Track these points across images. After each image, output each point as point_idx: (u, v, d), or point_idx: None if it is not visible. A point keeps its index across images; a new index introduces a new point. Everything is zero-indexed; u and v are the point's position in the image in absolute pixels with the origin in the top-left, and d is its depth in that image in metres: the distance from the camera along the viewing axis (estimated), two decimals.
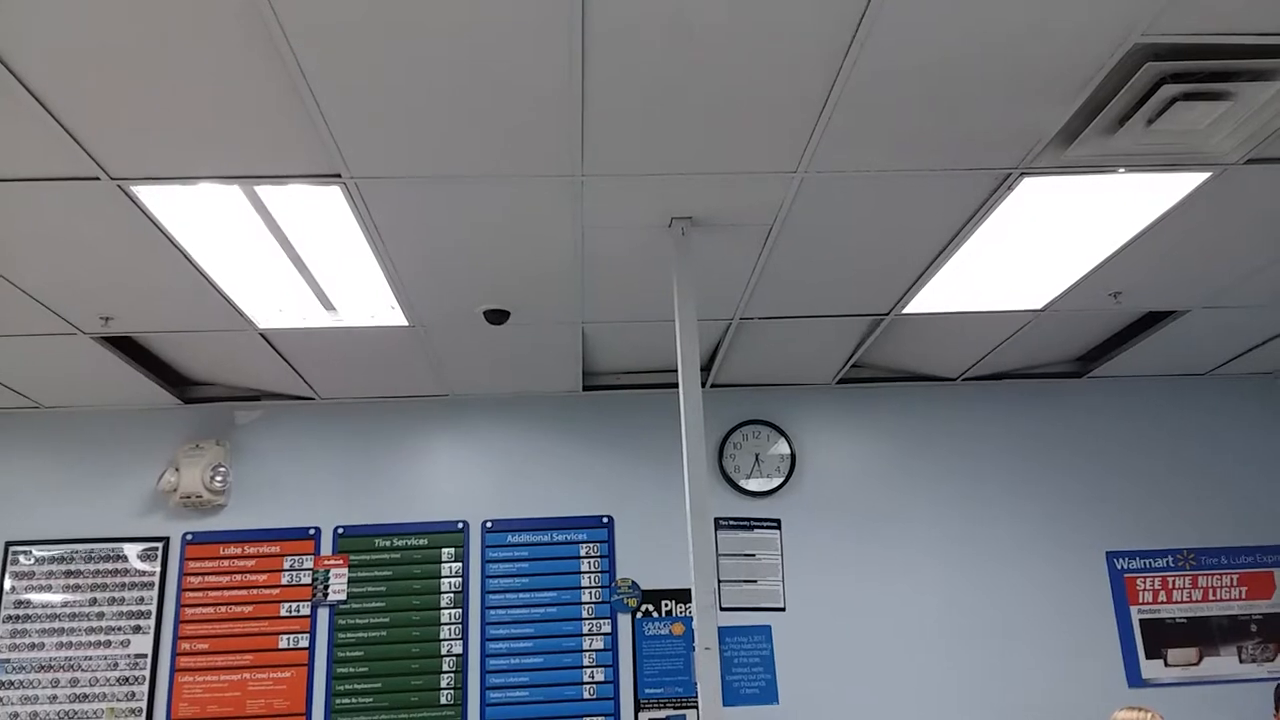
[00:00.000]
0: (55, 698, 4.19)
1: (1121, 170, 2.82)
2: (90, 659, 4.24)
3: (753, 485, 4.61)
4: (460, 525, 4.50)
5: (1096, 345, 4.47)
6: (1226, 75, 2.34)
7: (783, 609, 4.47)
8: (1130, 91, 2.39)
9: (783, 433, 4.69)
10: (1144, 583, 4.57)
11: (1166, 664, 4.47)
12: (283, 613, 4.34)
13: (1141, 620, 4.52)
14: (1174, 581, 4.59)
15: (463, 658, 4.32)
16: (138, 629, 4.29)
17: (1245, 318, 4.11)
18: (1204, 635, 4.52)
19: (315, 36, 2.11)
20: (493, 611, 4.39)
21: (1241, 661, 4.49)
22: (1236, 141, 2.67)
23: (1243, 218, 3.19)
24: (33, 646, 4.24)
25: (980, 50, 2.26)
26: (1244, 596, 4.59)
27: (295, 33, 2.09)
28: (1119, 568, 4.59)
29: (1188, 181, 2.92)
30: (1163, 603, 4.55)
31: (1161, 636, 4.50)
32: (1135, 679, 4.43)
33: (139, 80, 2.24)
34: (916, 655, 4.42)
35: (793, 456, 4.66)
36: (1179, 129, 2.51)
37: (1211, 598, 4.58)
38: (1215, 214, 3.14)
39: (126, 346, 3.89)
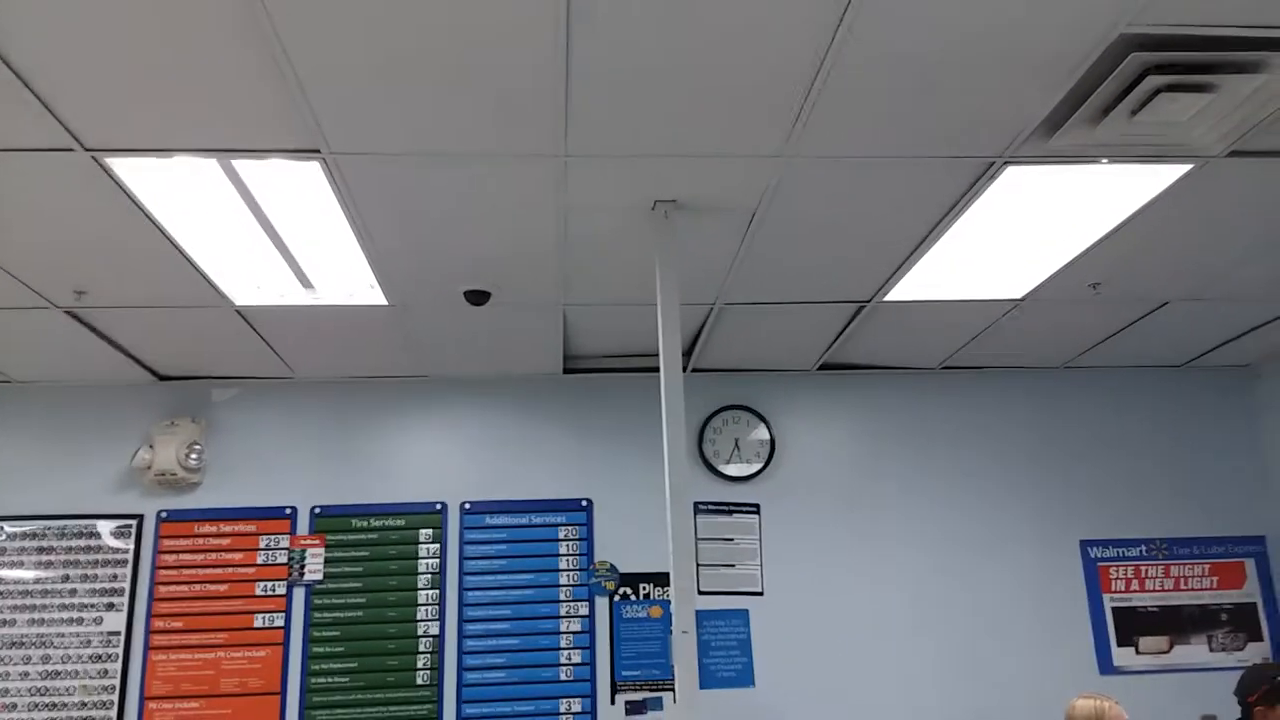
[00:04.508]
0: (27, 674, 4.15)
1: (1104, 161, 2.82)
2: (63, 636, 4.20)
3: (732, 470, 4.62)
4: (438, 506, 4.48)
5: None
6: (1211, 67, 2.35)
7: (760, 593, 4.48)
8: (1115, 82, 2.39)
9: (763, 418, 4.69)
10: (1117, 571, 4.62)
11: (1138, 652, 4.52)
12: (258, 592, 4.32)
13: (1114, 608, 4.57)
14: (1146, 571, 4.64)
15: (439, 638, 4.32)
16: (110, 606, 4.25)
17: (1223, 310, 4.14)
18: (1175, 624, 4.57)
19: (294, 5, 2.08)
20: (470, 593, 4.38)
21: (1212, 650, 4.55)
22: (1219, 134, 2.67)
23: (1223, 211, 3.20)
24: (4, 623, 4.20)
25: (966, 37, 2.26)
26: (1215, 586, 4.64)
27: (274, 1, 2.06)
28: (1092, 556, 4.63)
29: (1169, 174, 2.93)
30: (1135, 591, 4.60)
31: (1133, 624, 4.55)
32: (1107, 666, 4.48)
33: (114, 48, 2.20)
34: (892, 640, 4.45)
35: (772, 442, 4.67)
36: (1162, 120, 2.51)
37: (1183, 587, 4.63)
38: (1196, 207, 3.15)
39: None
